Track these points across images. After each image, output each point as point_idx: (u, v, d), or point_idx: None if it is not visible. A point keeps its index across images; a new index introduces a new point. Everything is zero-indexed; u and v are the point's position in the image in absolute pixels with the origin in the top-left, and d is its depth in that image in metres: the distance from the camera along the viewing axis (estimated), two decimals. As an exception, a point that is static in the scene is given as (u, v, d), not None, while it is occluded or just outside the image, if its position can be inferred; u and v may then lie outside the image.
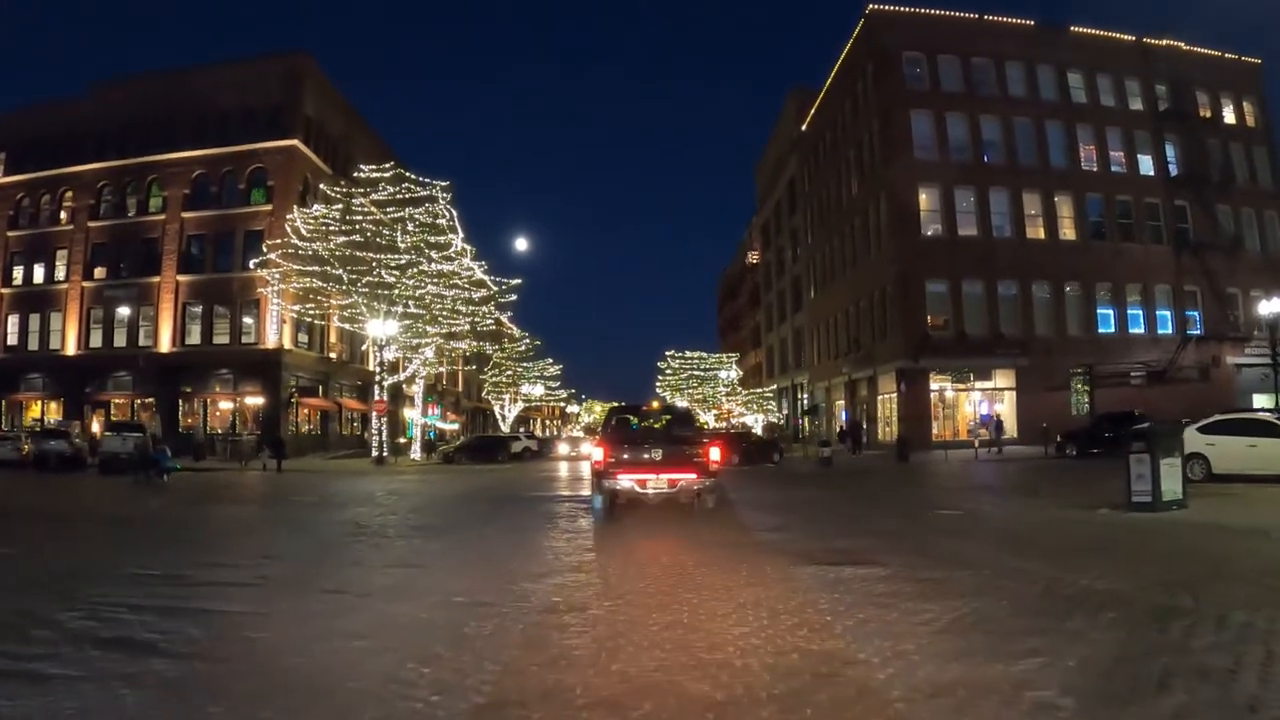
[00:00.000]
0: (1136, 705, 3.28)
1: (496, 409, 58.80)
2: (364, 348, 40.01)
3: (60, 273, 38.99)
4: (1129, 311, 33.18)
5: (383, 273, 29.18)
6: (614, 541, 8.66)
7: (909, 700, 3.36)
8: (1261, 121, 36.43)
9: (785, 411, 53.33)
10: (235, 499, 16.17)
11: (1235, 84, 36.25)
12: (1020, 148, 33.24)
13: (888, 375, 33.61)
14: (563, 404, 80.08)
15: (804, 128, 46.65)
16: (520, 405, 60.13)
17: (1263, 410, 20.71)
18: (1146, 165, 34.32)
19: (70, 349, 38.01)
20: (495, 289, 34.13)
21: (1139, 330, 33.10)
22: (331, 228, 29.27)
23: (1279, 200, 35.14)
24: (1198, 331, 32.99)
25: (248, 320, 36.43)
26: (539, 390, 59.85)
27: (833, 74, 40.44)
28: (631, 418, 12.85)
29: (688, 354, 60.84)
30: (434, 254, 30.68)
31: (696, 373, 59.98)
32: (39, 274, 39.53)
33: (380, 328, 29.66)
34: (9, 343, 39.35)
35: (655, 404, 21.21)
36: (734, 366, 62.07)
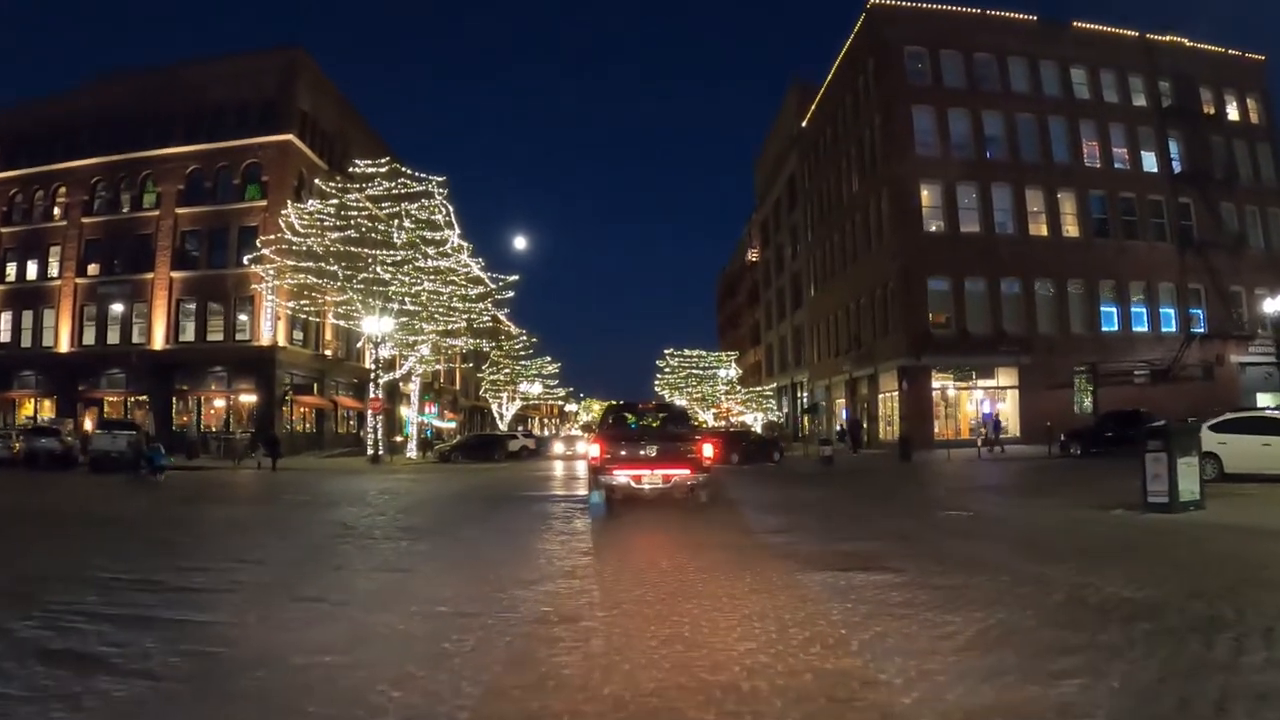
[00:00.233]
0: (1195, 735, 2.92)
1: (494, 407, 58.48)
2: (359, 345, 39.61)
3: (53, 269, 38.59)
4: (1132, 309, 32.95)
5: (378, 269, 28.82)
6: (611, 544, 8.31)
7: (940, 730, 3.00)
8: (1265, 118, 36.20)
9: (785, 410, 52.99)
10: (225, 498, 15.87)
11: (1239, 81, 36.04)
12: (1023, 144, 32.97)
13: (889, 373, 33.29)
14: (561, 402, 79.88)
15: (804, 123, 46.23)
16: (518, 403, 59.85)
17: (1271, 409, 20.41)
18: (1150, 162, 34.07)
19: (63, 346, 37.63)
20: (492, 286, 33.82)
21: (1142, 328, 32.86)
22: (326, 223, 28.91)
23: (1283, 197, 34.89)
24: (1202, 330, 32.74)
25: (242, 317, 36.04)
26: (537, 388, 59.62)
27: (834, 69, 40.07)
28: (628, 415, 12.90)
29: (687, 352, 60.58)
30: (430, 250, 30.33)
31: (695, 371, 59.68)
32: (32, 270, 39.09)
33: (376, 324, 29.31)
34: (1, 339, 38.97)
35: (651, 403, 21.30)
36: (733, 365, 61.67)
